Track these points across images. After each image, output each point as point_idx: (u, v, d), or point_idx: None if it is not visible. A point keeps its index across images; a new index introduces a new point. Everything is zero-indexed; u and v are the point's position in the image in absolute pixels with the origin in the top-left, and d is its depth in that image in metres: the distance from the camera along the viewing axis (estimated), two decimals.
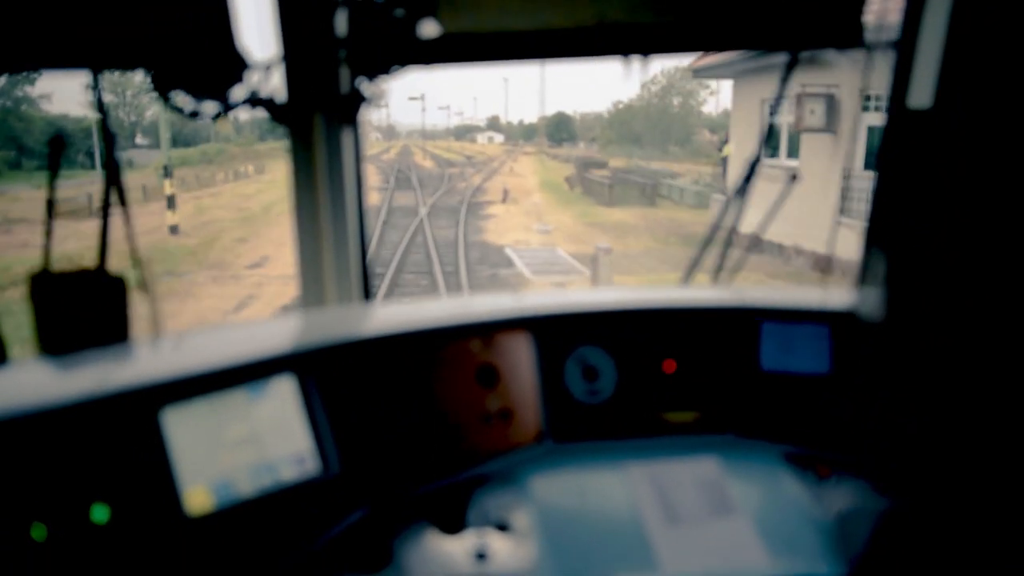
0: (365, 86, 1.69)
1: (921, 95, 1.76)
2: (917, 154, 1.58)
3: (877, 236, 1.86)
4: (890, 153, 1.73)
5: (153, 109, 58.29)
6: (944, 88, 1.71)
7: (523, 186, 29.38)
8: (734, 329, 1.65)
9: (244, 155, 48.89)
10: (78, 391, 1.09)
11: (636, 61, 1.77)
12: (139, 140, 59.58)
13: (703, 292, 1.83)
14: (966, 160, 1.65)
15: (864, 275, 1.94)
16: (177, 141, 56.06)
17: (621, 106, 67.29)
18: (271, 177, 35.46)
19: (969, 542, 0.44)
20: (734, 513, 1.38)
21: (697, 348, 1.65)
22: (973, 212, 1.54)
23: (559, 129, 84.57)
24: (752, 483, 1.48)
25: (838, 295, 1.77)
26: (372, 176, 30.73)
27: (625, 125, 63.14)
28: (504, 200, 24.08)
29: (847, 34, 1.73)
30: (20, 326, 1.53)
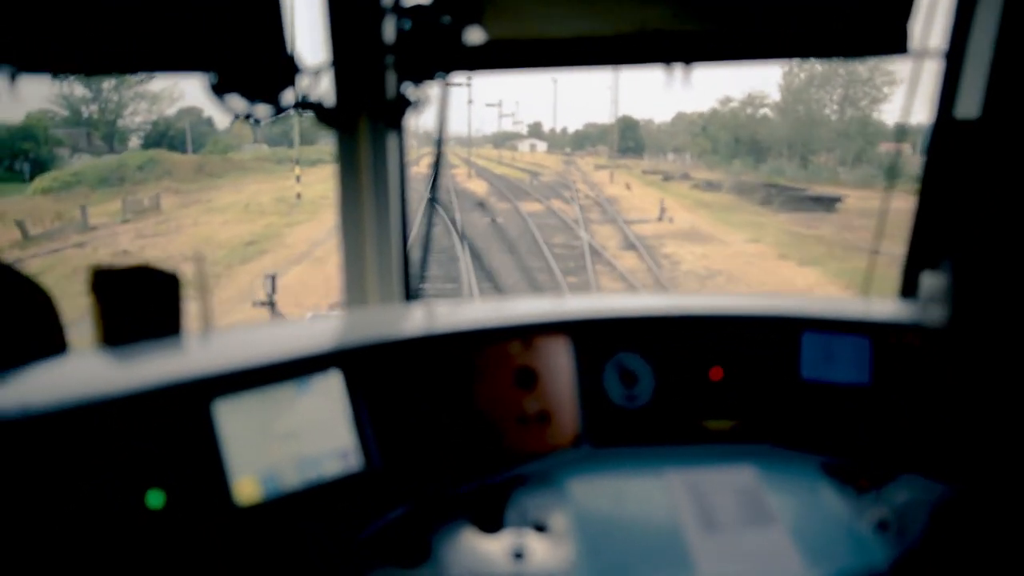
0: (411, 91, 1.73)
1: (969, 105, 1.74)
2: (964, 164, 1.56)
3: (921, 247, 1.83)
4: (936, 163, 1.71)
5: (134, 108, 47.63)
6: (992, 98, 1.69)
7: None
8: (775, 338, 1.64)
9: (200, 168, 33.35)
10: (136, 382, 1.13)
11: (679, 69, 1.78)
12: (130, 143, 47.60)
13: (744, 299, 1.83)
14: (1015, 170, 1.62)
15: (906, 286, 1.91)
16: (173, 143, 44.85)
17: (731, 105, 48.76)
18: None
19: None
20: (772, 522, 1.38)
21: (737, 356, 1.64)
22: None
23: (624, 136, 70.27)
24: (790, 493, 1.47)
25: (880, 306, 1.75)
26: None
27: (743, 128, 44.89)
28: None
29: (892, 41, 1.72)
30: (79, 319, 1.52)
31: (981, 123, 1.60)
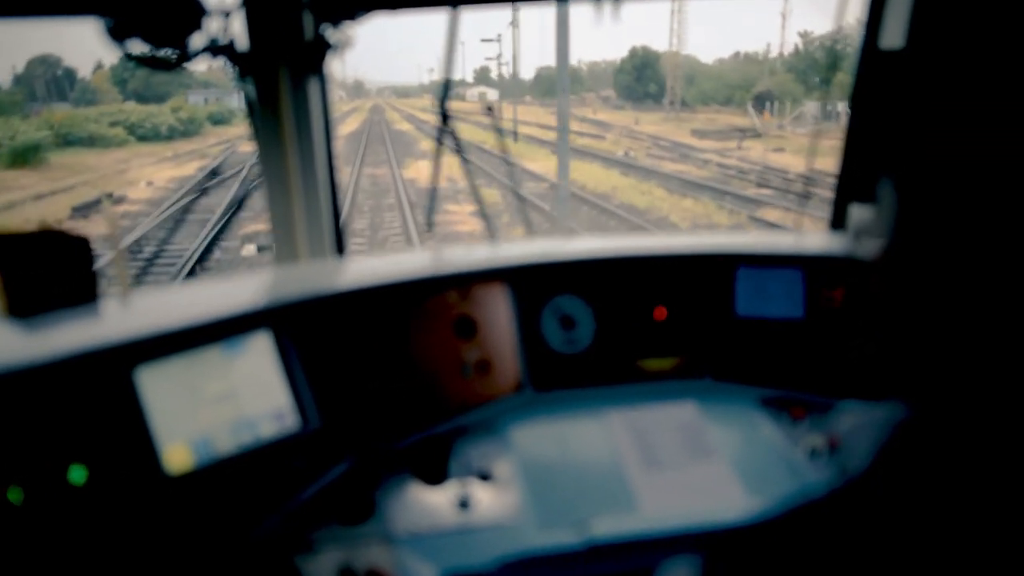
0: (330, 33, 1.64)
1: (893, 36, 1.74)
2: (890, 95, 1.56)
3: (850, 179, 1.85)
4: (863, 95, 1.71)
5: None
6: (917, 28, 1.68)
7: None
8: (711, 275, 1.65)
9: None
10: (50, 351, 1.07)
11: (607, 4, 1.73)
12: None
13: (681, 238, 1.82)
14: (941, 101, 1.63)
15: (836, 218, 1.94)
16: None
17: None
18: None
19: (983, 452, 0.46)
20: (712, 456, 1.40)
21: (676, 295, 1.65)
22: (950, 152, 1.53)
23: (641, 79, 51.87)
24: (729, 426, 1.50)
25: (812, 239, 1.77)
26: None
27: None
28: None
29: None
30: None
31: (905, 53, 1.60)
